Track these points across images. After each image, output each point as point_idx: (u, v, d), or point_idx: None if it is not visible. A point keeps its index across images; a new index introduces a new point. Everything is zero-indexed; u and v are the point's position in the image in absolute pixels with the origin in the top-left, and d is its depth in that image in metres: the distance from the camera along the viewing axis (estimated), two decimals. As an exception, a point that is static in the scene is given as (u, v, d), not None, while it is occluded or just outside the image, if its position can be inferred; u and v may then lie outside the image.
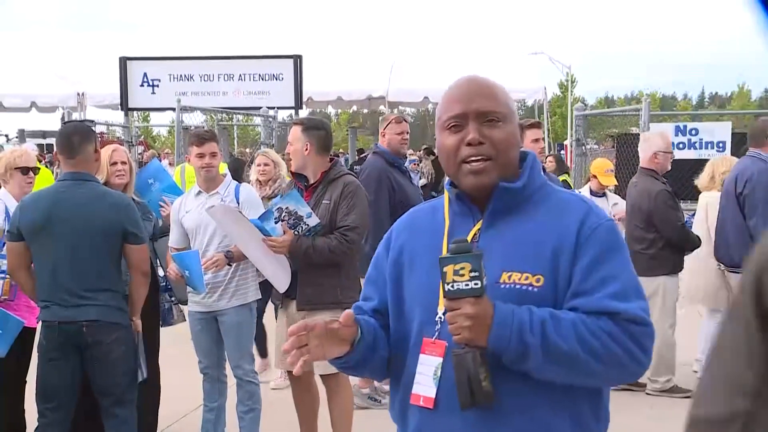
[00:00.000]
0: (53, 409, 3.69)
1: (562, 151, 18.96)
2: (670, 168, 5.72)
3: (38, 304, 3.79)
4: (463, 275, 1.57)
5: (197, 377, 4.53)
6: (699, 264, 5.65)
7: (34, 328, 4.42)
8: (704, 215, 5.83)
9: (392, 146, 5.23)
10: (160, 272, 4.69)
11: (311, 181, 4.10)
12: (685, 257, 5.64)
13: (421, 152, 16.61)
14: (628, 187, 5.91)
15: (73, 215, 3.61)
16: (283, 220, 3.88)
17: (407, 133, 5.35)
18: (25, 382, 4.59)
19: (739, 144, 8.57)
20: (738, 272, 5.23)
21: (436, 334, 1.71)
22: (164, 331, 4.82)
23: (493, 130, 1.72)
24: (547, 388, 1.64)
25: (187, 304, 4.53)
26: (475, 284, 1.57)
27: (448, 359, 1.66)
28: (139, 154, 14.38)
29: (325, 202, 4.00)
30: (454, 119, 1.74)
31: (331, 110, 21.74)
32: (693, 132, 9.78)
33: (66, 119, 10.23)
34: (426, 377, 1.71)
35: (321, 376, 4.15)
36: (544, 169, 5.08)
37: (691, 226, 5.82)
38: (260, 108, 11.22)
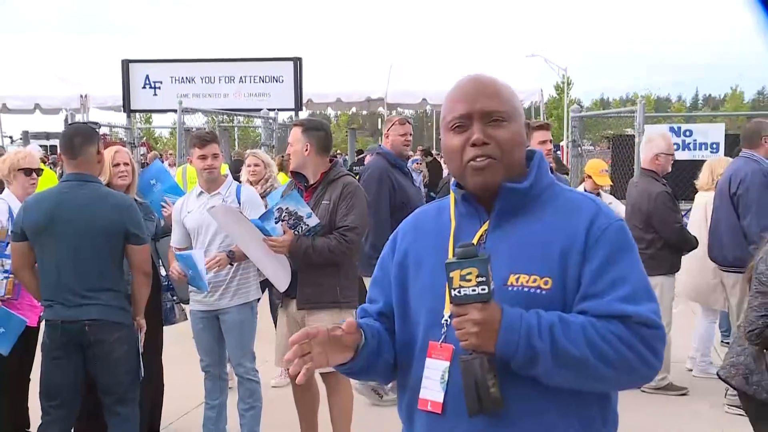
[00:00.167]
0: (56, 407, 3.69)
1: (559, 152, 18.99)
2: (670, 170, 5.73)
3: (42, 304, 3.79)
4: (469, 280, 1.53)
5: (199, 375, 4.52)
6: (695, 263, 5.66)
7: (37, 327, 4.42)
8: (702, 214, 5.83)
9: (395, 147, 5.25)
10: (162, 272, 4.69)
11: (311, 182, 4.10)
12: (682, 257, 5.65)
13: (419, 153, 16.61)
14: (629, 188, 5.92)
15: (76, 216, 3.61)
16: (283, 221, 3.88)
17: (410, 134, 5.38)
18: (29, 380, 4.59)
19: (732, 145, 8.57)
20: (732, 272, 5.23)
21: (443, 337, 1.67)
22: (166, 330, 4.82)
23: (498, 130, 1.68)
24: (556, 393, 1.59)
25: (188, 303, 4.53)
26: (482, 290, 1.53)
27: (455, 363, 1.62)
28: (142, 155, 14.37)
29: (324, 202, 4.00)
30: (458, 120, 1.70)
31: (330, 112, 21.68)
32: (687, 133, 9.77)
33: (69, 121, 10.22)
34: (433, 382, 1.67)
35: (321, 374, 4.15)
36: (552, 169, 5.08)
37: (686, 226, 5.83)
38: (261, 110, 11.22)
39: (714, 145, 9.82)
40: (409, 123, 5.45)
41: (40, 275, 3.72)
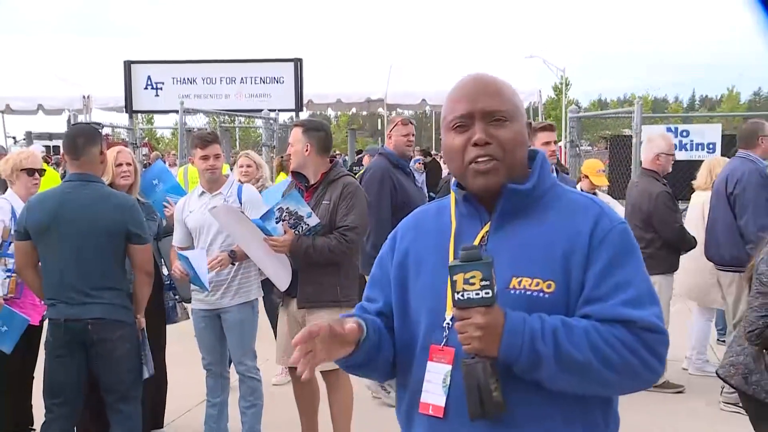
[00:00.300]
0: (59, 405, 3.69)
1: (557, 153, 18.96)
2: (671, 170, 5.74)
3: (45, 302, 3.79)
4: (473, 284, 1.49)
5: (201, 373, 4.52)
6: (692, 262, 5.66)
7: (40, 326, 4.42)
8: (700, 213, 5.85)
9: (398, 148, 5.26)
10: (165, 271, 4.69)
11: (311, 182, 4.10)
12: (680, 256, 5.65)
13: (418, 154, 16.60)
14: (629, 187, 5.93)
15: (79, 216, 3.61)
16: (284, 220, 3.88)
17: (413, 135, 5.41)
18: (33, 378, 4.60)
19: (729, 145, 8.57)
20: (728, 271, 5.23)
21: (444, 340, 1.63)
22: (168, 329, 4.82)
23: (500, 130, 1.64)
24: (560, 398, 1.56)
25: (190, 302, 4.53)
26: (486, 293, 1.49)
27: (458, 366, 1.58)
28: (144, 155, 14.37)
29: (325, 202, 4.00)
30: (459, 119, 1.66)
31: (330, 112, 21.67)
32: (684, 134, 9.78)
33: (72, 122, 10.22)
34: (435, 385, 1.63)
35: (321, 372, 4.15)
36: (557, 170, 5.01)
37: (683, 225, 5.83)
38: (261, 110, 11.20)
39: (710, 146, 9.83)
40: (411, 124, 5.46)
41: (43, 274, 3.72)
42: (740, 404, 5.15)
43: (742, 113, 35.00)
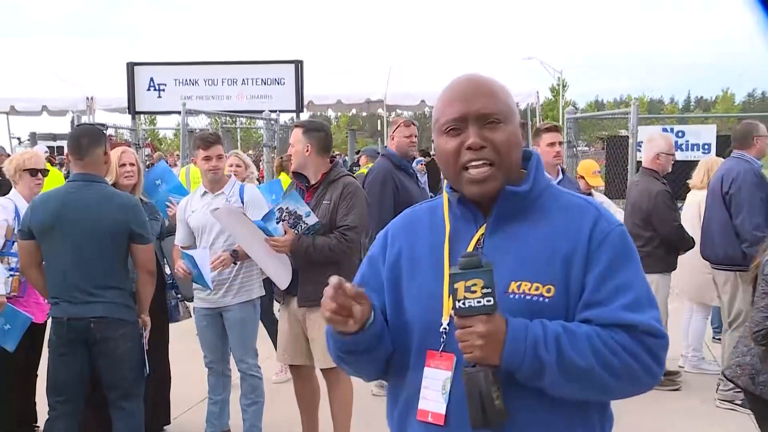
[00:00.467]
0: (63, 402, 3.68)
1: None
2: (670, 170, 5.75)
3: (48, 301, 3.78)
4: (474, 291, 1.44)
5: (202, 371, 4.52)
6: (688, 260, 5.66)
7: (43, 324, 4.42)
8: (696, 212, 5.85)
9: (400, 149, 5.26)
10: (167, 270, 4.69)
11: (312, 182, 4.09)
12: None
13: (418, 154, 16.61)
14: (629, 187, 5.95)
15: (82, 215, 3.60)
16: (283, 220, 3.88)
17: (415, 136, 5.40)
18: (36, 375, 4.60)
19: (724, 146, 8.58)
20: (723, 269, 5.23)
21: (442, 346, 1.57)
22: (171, 327, 4.82)
23: (495, 133, 1.57)
24: (560, 403, 1.53)
25: (192, 301, 4.53)
26: (488, 301, 1.44)
27: (458, 373, 1.53)
28: (147, 155, 14.36)
29: (325, 202, 3.99)
30: (453, 122, 1.59)
31: (331, 113, 21.69)
32: (679, 134, 9.77)
33: (75, 122, 10.21)
34: (433, 392, 1.57)
35: (321, 369, 4.15)
36: (563, 171, 4.97)
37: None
38: (263, 111, 11.18)
39: (706, 146, 9.83)
40: (414, 125, 5.46)
41: (47, 273, 3.71)
42: (736, 402, 5.18)
43: (737, 114, 35.01)
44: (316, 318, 3.88)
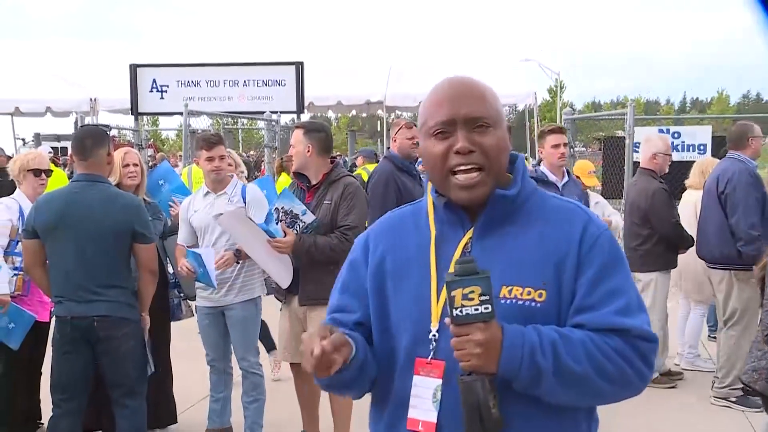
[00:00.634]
0: (67, 400, 3.68)
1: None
2: (667, 170, 5.76)
3: (52, 300, 3.78)
4: (472, 299, 1.39)
5: (204, 369, 4.52)
6: (686, 258, 5.66)
7: (47, 323, 4.42)
8: (692, 211, 5.86)
9: (402, 150, 5.24)
10: (170, 269, 4.68)
11: (313, 182, 4.09)
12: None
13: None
14: (628, 187, 5.98)
15: (85, 215, 3.60)
16: (281, 221, 3.88)
17: (417, 137, 5.39)
18: (41, 373, 4.59)
19: (719, 146, 8.58)
20: (718, 268, 5.23)
21: (431, 353, 1.52)
22: (173, 326, 4.82)
23: (484, 137, 1.52)
24: (554, 409, 1.50)
25: (195, 300, 4.53)
26: (486, 308, 1.40)
27: (448, 381, 1.48)
28: (149, 156, 14.37)
29: (326, 202, 3.99)
30: (441, 126, 1.53)
31: (331, 114, 21.70)
32: (675, 135, 9.78)
33: (79, 123, 10.22)
34: (423, 400, 1.52)
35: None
36: (568, 172, 4.91)
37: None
38: (264, 112, 11.19)
39: (701, 147, 9.83)
40: (416, 126, 5.46)
41: (51, 272, 3.71)
42: (731, 399, 5.18)
43: (732, 115, 35.02)
44: (316, 316, 3.88)
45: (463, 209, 1.58)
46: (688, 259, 5.63)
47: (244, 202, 4.28)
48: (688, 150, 9.74)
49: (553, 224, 1.56)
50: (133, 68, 13.64)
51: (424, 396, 1.52)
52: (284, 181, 8.07)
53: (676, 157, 8.76)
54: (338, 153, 25.26)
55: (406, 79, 15.23)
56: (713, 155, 8.15)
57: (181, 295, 4.77)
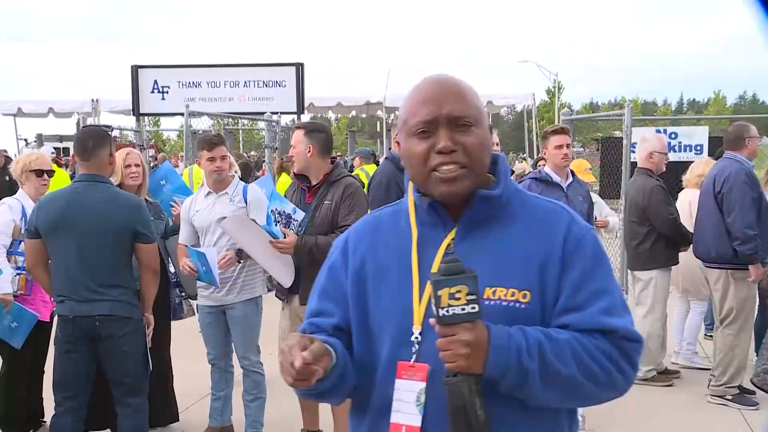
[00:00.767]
0: (69, 399, 3.68)
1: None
2: (664, 169, 5.78)
3: (54, 299, 3.78)
4: (459, 299, 1.35)
5: (205, 368, 4.52)
6: (684, 256, 5.68)
7: (49, 322, 4.42)
8: (687, 210, 5.88)
9: None
10: (171, 269, 4.68)
11: (313, 183, 4.09)
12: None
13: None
14: (627, 187, 5.99)
15: (87, 215, 3.60)
16: (277, 222, 3.89)
17: None
18: (43, 372, 4.60)
19: (716, 146, 8.59)
20: (715, 267, 5.23)
21: (414, 356, 1.47)
22: (174, 325, 4.82)
23: (466, 136, 1.49)
24: (537, 411, 1.47)
25: (196, 299, 4.52)
26: (472, 308, 1.36)
27: (432, 384, 1.44)
28: (151, 156, 14.38)
29: (326, 202, 3.99)
30: (423, 125, 1.50)
31: (331, 115, 21.71)
32: (673, 135, 9.80)
33: (81, 124, 10.22)
34: (407, 404, 1.47)
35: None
36: (573, 173, 4.88)
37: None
38: (264, 113, 11.20)
39: (698, 147, 9.85)
40: None
41: (53, 272, 3.71)
42: (726, 397, 5.18)
43: (728, 116, 35.03)
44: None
45: (445, 209, 1.54)
46: (686, 258, 5.64)
47: (246, 203, 4.28)
48: (685, 150, 9.76)
49: (536, 224, 1.53)
50: (135, 69, 13.64)
51: (407, 400, 1.47)
52: (285, 181, 8.07)
53: (673, 157, 8.78)
54: (338, 153, 25.29)
55: (406, 80, 15.16)
56: (710, 155, 8.16)
57: (183, 294, 4.77)
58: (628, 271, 6.01)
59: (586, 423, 4.60)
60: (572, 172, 4.83)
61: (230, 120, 14.41)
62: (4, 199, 4.52)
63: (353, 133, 26.23)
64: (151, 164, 12.54)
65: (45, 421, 4.58)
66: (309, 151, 4.03)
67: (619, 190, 7.61)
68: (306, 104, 14.43)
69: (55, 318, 3.80)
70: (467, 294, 1.36)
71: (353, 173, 8.82)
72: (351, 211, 3.94)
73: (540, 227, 1.52)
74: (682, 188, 6.39)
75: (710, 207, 5.18)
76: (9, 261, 4.30)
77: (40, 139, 19.90)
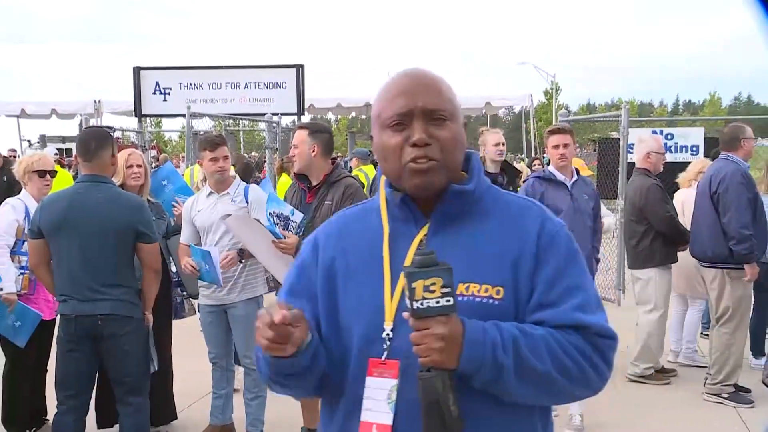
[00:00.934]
0: (71, 397, 3.68)
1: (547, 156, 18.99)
2: (662, 169, 5.79)
3: (57, 299, 3.78)
4: (433, 291, 1.31)
5: (207, 366, 4.52)
6: (681, 255, 5.68)
7: (52, 321, 4.42)
8: (680, 210, 5.90)
9: None
10: (173, 268, 4.68)
11: (314, 183, 4.08)
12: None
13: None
14: (627, 187, 6.01)
15: (89, 215, 3.60)
16: (276, 225, 3.88)
17: None
18: (46, 370, 4.59)
19: (712, 147, 8.60)
20: (711, 267, 5.24)
21: (385, 353, 1.43)
22: (176, 324, 4.81)
23: (441, 130, 1.46)
24: (511, 408, 1.44)
25: (198, 298, 4.52)
26: (447, 301, 1.32)
27: (404, 381, 1.40)
28: (152, 157, 14.37)
29: (327, 202, 3.99)
30: (398, 117, 1.47)
31: (331, 116, 21.74)
32: (669, 136, 9.81)
33: (84, 125, 10.22)
34: (377, 402, 1.43)
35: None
36: (577, 171, 4.86)
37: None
38: (265, 114, 11.21)
39: (694, 148, 9.87)
40: None
41: (55, 271, 3.70)
42: (723, 395, 5.18)
43: (724, 117, 35.07)
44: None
45: (417, 204, 1.51)
46: (682, 258, 5.64)
47: (247, 203, 4.28)
48: (681, 151, 9.78)
49: (509, 221, 1.50)
50: (137, 71, 13.65)
51: (378, 397, 1.43)
52: (285, 181, 8.07)
53: (669, 158, 8.79)
54: (338, 154, 25.32)
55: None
56: (706, 156, 8.17)
57: (184, 293, 4.77)
58: (629, 270, 6.02)
59: (584, 420, 4.61)
60: (577, 171, 4.81)
61: (231, 121, 14.42)
62: (8, 200, 4.52)
63: (353, 134, 26.22)
64: (153, 165, 12.53)
65: (48, 420, 4.57)
66: (313, 151, 4.02)
67: (616, 190, 7.63)
68: (306, 105, 14.45)
69: (58, 317, 3.80)
70: (442, 287, 1.32)
71: (352, 174, 8.83)
72: (351, 211, 3.93)
73: (513, 223, 1.50)
74: (678, 188, 6.40)
75: (706, 207, 5.19)
76: (13, 261, 4.30)
77: (43, 140, 19.90)
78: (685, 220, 5.66)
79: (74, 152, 9.98)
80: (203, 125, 10.95)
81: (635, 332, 5.71)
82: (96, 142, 3.70)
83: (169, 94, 13.86)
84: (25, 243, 4.18)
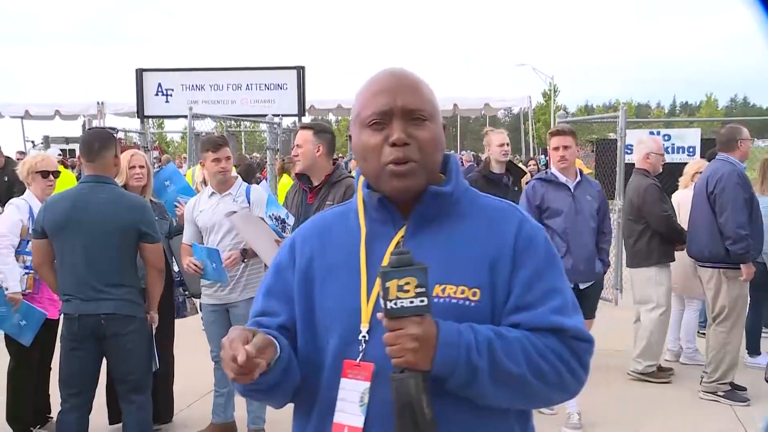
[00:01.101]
0: (74, 395, 3.68)
1: (546, 156, 19.02)
2: (661, 170, 5.80)
3: (60, 298, 3.78)
4: (407, 291, 1.28)
5: (209, 365, 4.52)
6: (678, 256, 5.69)
7: (56, 320, 4.42)
8: (676, 209, 5.90)
9: None
10: (175, 268, 4.68)
11: (315, 183, 4.08)
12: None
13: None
14: (626, 186, 6.01)
15: (93, 216, 3.60)
16: (277, 226, 3.89)
17: None
18: (50, 369, 4.60)
19: (708, 148, 8.60)
20: (708, 266, 5.24)
21: (361, 355, 1.41)
22: (178, 323, 4.82)
23: (420, 130, 1.44)
24: (486, 411, 1.41)
25: (200, 298, 4.52)
26: (421, 301, 1.29)
27: (378, 383, 1.37)
28: (155, 158, 14.38)
29: (328, 202, 3.98)
30: (377, 116, 1.44)
31: (331, 117, 21.74)
32: (666, 138, 9.82)
33: (87, 126, 10.23)
34: (350, 404, 1.40)
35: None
36: (581, 172, 4.84)
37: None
38: (266, 115, 11.21)
39: (691, 149, 9.88)
40: None
41: (59, 271, 3.71)
42: (718, 393, 5.19)
43: (720, 118, 35.08)
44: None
45: (395, 206, 1.48)
46: (679, 258, 5.65)
47: (249, 203, 4.29)
48: (678, 152, 9.78)
49: (487, 223, 1.48)
50: (139, 73, 13.64)
51: (351, 400, 1.41)
52: (286, 182, 8.08)
53: (666, 159, 8.81)
54: (339, 155, 25.33)
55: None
56: (702, 157, 8.18)
57: (186, 293, 4.77)
58: (629, 270, 6.02)
59: (582, 419, 4.61)
60: (581, 172, 4.80)
61: (232, 122, 14.40)
62: (12, 200, 4.53)
63: (353, 135, 26.22)
64: (156, 165, 12.54)
65: (51, 417, 4.58)
66: (318, 151, 4.00)
67: (613, 191, 7.63)
68: (307, 107, 14.44)
69: (62, 316, 3.81)
70: (416, 286, 1.29)
71: (352, 175, 8.83)
72: (352, 212, 3.94)
73: (491, 226, 1.47)
74: (677, 188, 6.42)
75: (703, 207, 5.19)
76: (17, 260, 4.30)
77: (47, 141, 19.89)
78: (681, 220, 5.68)
79: (77, 153, 10.00)
80: (205, 126, 10.97)
81: (634, 331, 5.71)
82: (99, 142, 3.70)
83: (171, 95, 13.85)
84: (30, 243, 4.18)
